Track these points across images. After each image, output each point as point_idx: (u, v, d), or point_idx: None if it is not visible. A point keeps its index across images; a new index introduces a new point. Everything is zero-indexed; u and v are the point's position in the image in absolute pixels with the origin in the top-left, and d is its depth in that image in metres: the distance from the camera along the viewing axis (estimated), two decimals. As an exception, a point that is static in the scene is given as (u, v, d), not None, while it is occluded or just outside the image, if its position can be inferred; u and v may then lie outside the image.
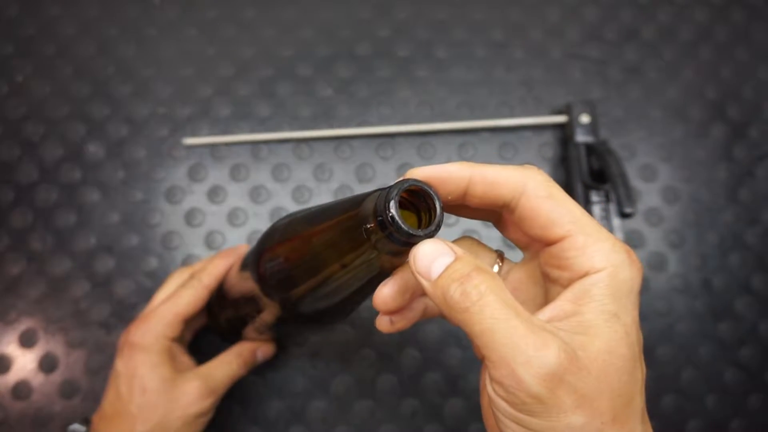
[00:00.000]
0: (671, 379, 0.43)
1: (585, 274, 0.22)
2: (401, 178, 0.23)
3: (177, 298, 0.36)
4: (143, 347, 0.35)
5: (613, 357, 0.20)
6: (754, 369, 0.44)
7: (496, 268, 0.26)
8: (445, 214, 0.24)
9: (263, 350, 0.40)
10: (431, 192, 0.23)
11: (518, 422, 0.20)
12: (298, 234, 0.27)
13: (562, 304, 0.22)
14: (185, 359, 0.38)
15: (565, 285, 0.23)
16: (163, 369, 0.35)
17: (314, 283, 0.28)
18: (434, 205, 0.23)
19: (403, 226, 0.21)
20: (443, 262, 0.22)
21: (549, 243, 0.23)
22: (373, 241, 0.23)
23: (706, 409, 0.43)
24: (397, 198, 0.22)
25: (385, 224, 0.22)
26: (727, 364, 0.44)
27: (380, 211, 0.21)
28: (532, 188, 0.23)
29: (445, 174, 0.24)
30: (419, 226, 0.24)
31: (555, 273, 0.23)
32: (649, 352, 0.44)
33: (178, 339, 0.37)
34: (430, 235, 0.22)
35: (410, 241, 0.22)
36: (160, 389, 0.34)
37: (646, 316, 0.44)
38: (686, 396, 0.43)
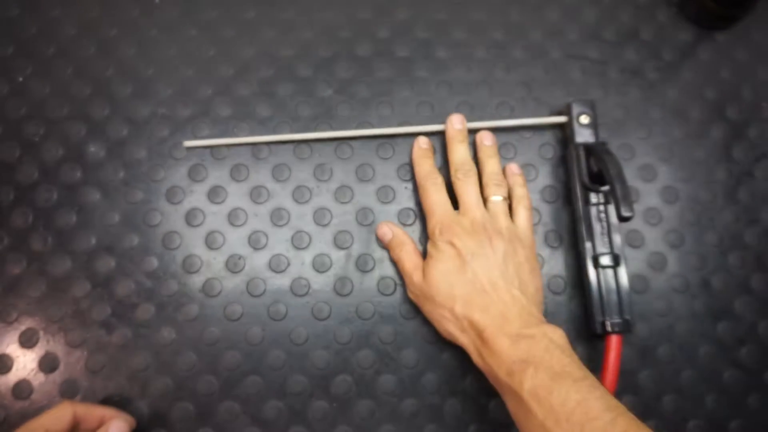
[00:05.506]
0: (671, 379, 0.43)
1: None
2: None
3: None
4: None
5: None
6: (754, 369, 0.44)
7: None
8: None
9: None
10: None
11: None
12: None
13: None
14: None
15: None
16: None
17: None
18: None
19: None
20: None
21: None
22: None
23: (706, 409, 0.43)
24: None
25: None
26: (727, 364, 0.44)
27: None
28: None
29: None
30: None
31: None
32: (649, 352, 0.44)
33: None
34: None
35: None
36: None
37: (645, 316, 0.44)
38: (686, 396, 0.43)
